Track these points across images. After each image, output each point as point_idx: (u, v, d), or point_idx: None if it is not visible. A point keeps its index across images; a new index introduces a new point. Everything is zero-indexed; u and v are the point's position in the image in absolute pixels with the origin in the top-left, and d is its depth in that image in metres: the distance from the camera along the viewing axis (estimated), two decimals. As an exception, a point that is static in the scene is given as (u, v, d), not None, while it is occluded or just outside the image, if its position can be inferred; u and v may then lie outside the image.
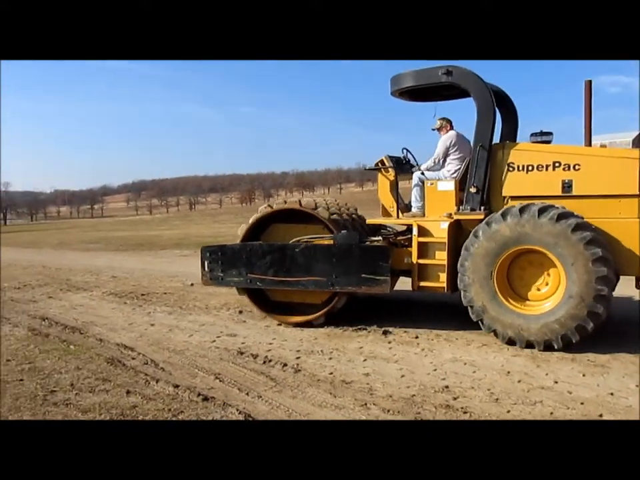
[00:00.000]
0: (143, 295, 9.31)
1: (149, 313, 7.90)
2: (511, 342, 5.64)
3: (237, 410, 4.13)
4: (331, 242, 6.55)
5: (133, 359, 5.59)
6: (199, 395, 4.45)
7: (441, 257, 6.22)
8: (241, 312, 7.56)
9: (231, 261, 6.84)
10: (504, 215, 5.70)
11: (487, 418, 3.96)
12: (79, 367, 5.31)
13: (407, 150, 7.48)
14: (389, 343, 5.96)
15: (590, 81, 6.10)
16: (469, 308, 5.90)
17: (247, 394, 4.52)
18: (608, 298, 5.33)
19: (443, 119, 6.89)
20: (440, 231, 6.26)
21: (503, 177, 6.11)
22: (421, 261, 6.31)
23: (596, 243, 5.33)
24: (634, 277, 5.84)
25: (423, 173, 6.88)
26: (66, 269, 13.62)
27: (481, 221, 5.92)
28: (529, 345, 5.53)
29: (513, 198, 6.08)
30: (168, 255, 17.61)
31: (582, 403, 4.19)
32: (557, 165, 5.85)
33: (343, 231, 6.52)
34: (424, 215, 6.68)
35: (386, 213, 7.24)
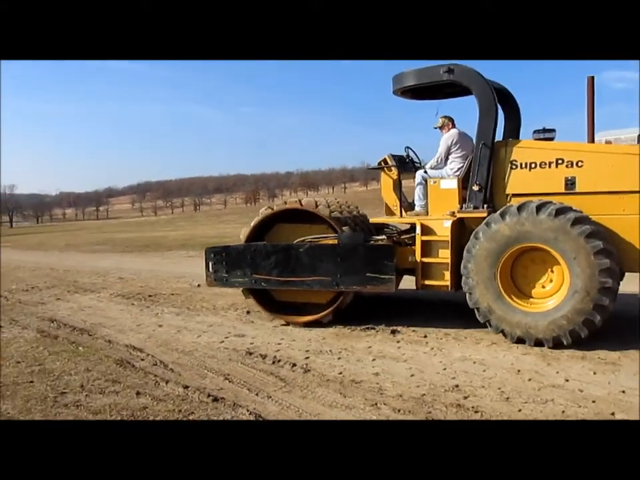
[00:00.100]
0: (150, 296, 9.33)
1: (157, 314, 7.91)
2: (520, 341, 5.62)
3: (247, 410, 4.12)
4: (335, 241, 6.55)
5: (142, 360, 5.60)
6: (209, 395, 4.45)
7: (445, 255, 6.22)
8: (248, 312, 7.56)
9: (236, 261, 6.84)
10: (503, 215, 5.70)
11: (498, 417, 3.94)
12: (89, 369, 5.32)
13: (410, 148, 7.49)
14: (398, 342, 5.95)
15: (592, 77, 6.07)
16: (475, 310, 5.89)
17: (257, 394, 4.51)
18: (613, 290, 5.31)
19: (445, 117, 6.90)
20: (443, 229, 6.27)
21: (506, 175, 6.11)
22: (425, 260, 6.32)
23: (596, 235, 5.33)
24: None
25: (425, 172, 6.89)
26: (73, 271, 13.67)
27: (483, 219, 5.92)
28: (538, 343, 5.51)
29: (516, 195, 6.07)
30: (174, 256, 17.66)
31: (594, 401, 4.16)
32: (559, 161, 5.84)
33: (345, 228, 6.52)
34: (427, 214, 6.69)
35: (389, 212, 7.25)
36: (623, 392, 4.32)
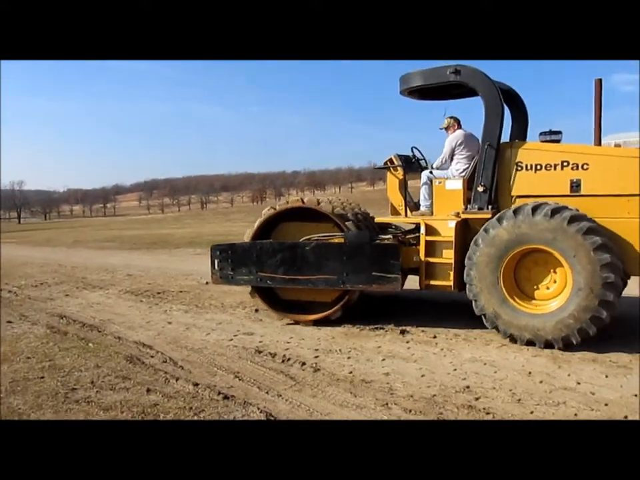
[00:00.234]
0: (158, 293, 9.35)
1: (166, 311, 7.93)
2: (529, 343, 5.60)
3: (258, 408, 4.12)
4: (341, 240, 6.56)
5: (152, 356, 5.61)
6: (219, 393, 4.45)
7: (449, 255, 6.24)
8: (257, 310, 7.55)
9: (241, 259, 6.85)
10: (500, 220, 5.75)
11: (510, 419, 3.92)
12: (99, 365, 5.33)
13: (416, 148, 7.51)
14: (407, 342, 5.93)
15: (600, 80, 6.07)
16: (482, 317, 5.90)
17: (267, 393, 4.51)
18: (617, 285, 5.31)
19: (451, 117, 6.89)
20: (447, 229, 6.29)
21: (511, 176, 6.11)
22: (429, 260, 6.33)
23: (594, 232, 5.34)
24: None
25: (431, 172, 6.90)
26: (81, 267, 13.72)
27: (487, 220, 5.92)
28: (548, 345, 5.48)
29: (521, 197, 6.07)
30: (181, 253, 17.69)
31: (606, 404, 4.13)
32: (565, 164, 5.84)
33: (348, 223, 6.54)
34: (432, 214, 6.69)
35: (395, 212, 7.26)
36: (635, 395, 4.29)
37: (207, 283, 10.08)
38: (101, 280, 11.29)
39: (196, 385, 4.67)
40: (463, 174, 6.60)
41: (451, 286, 6.23)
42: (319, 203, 6.78)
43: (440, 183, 6.62)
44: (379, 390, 4.54)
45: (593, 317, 5.30)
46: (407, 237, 6.86)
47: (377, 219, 7.42)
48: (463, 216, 6.32)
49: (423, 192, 6.91)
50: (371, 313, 7.14)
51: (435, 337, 6.07)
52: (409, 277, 6.92)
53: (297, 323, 6.82)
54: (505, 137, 6.44)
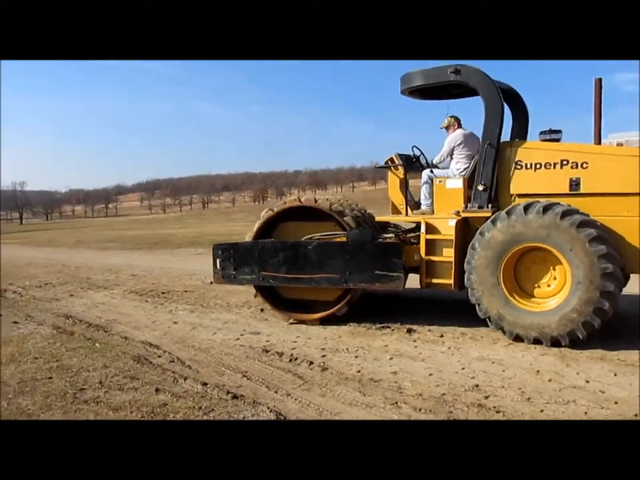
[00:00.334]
0: (163, 293, 9.36)
1: (171, 310, 7.93)
2: (536, 342, 5.60)
3: (268, 408, 4.11)
4: (343, 239, 6.57)
5: (159, 356, 5.61)
6: (228, 392, 4.45)
7: (449, 254, 6.26)
8: (262, 310, 7.54)
9: (243, 258, 6.85)
10: (494, 222, 5.80)
11: (520, 418, 3.91)
12: (106, 365, 5.33)
13: (417, 148, 7.53)
14: (414, 341, 5.93)
15: (600, 80, 6.11)
16: (487, 320, 5.91)
17: (276, 392, 4.51)
18: (615, 275, 5.33)
19: (452, 117, 6.94)
20: (448, 228, 6.31)
21: (511, 175, 6.15)
22: (429, 258, 6.35)
23: (587, 224, 5.39)
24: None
25: (432, 171, 6.95)
26: (85, 268, 13.73)
27: (487, 218, 5.95)
28: (555, 342, 5.49)
29: (521, 196, 6.11)
30: (184, 253, 17.71)
31: (616, 403, 4.13)
32: (564, 162, 5.87)
33: (346, 219, 6.56)
34: (433, 213, 6.73)
35: (396, 211, 7.29)
36: (646, 393, 4.28)
37: (211, 282, 10.05)
38: (105, 280, 11.29)
39: (204, 384, 4.67)
40: (464, 173, 6.64)
41: (451, 284, 6.27)
42: (316, 201, 6.81)
43: (440, 182, 6.66)
44: (387, 389, 4.53)
45: (596, 309, 5.32)
46: (408, 235, 6.88)
47: (378, 218, 7.43)
48: (463, 214, 6.36)
49: (424, 191, 6.96)
50: (377, 311, 7.14)
51: (441, 335, 6.06)
52: (410, 275, 6.92)
53: (303, 322, 6.81)
54: (506, 136, 6.50)
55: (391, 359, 5.34)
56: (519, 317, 5.68)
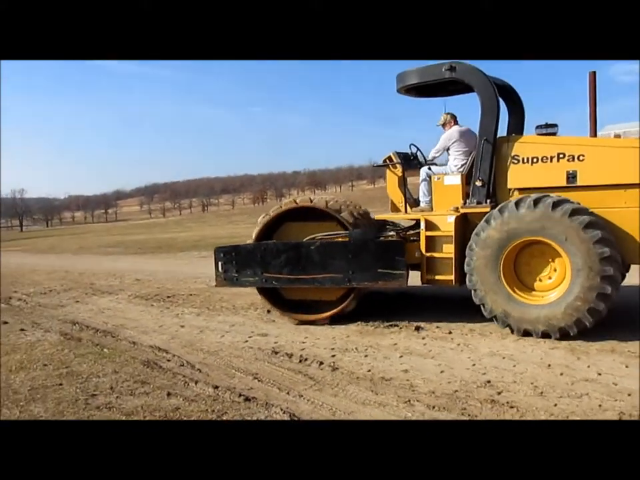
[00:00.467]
0: (168, 297, 9.35)
1: (177, 314, 7.92)
2: (545, 335, 5.59)
3: (281, 409, 4.10)
4: (345, 239, 6.58)
5: (168, 360, 5.60)
6: (240, 395, 4.43)
7: (449, 250, 6.30)
8: (269, 311, 7.52)
9: (246, 260, 6.85)
10: (487, 221, 5.86)
11: (535, 412, 3.90)
12: (116, 370, 5.32)
13: (414, 145, 7.55)
14: (423, 338, 5.92)
15: (594, 72, 6.14)
16: (494, 319, 5.93)
17: (288, 393, 4.50)
18: (614, 258, 5.36)
19: (448, 114, 6.97)
20: (447, 224, 6.36)
21: (508, 170, 6.17)
22: (429, 255, 6.39)
23: (580, 212, 5.45)
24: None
25: (430, 168, 6.99)
26: (89, 273, 13.72)
27: (486, 214, 5.99)
28: (564, 332, 5.49)
29: (519, 190, 6.15)
30: (187, 257, 17.71)
31: (629, 395, 4.12)
32: (561, 156, 5.90)
33: (343, 214, 6.60)
34: (432, 209, 6.75)
35: (395, 209, 7.31)
36: (658, 384, 4.27)
37: (215, 285, 10.06)
38: (109, 285, 11.29)
39: (216, 387, 4.65)
40: (461, 169, 6.68)
41: (452, 280, 6.31)
42: (311, 201, 6.83)
43: (439, 178, 6.70)
44: (399, 387, 4.52)
45: (599, 295, 5.35)
46: (408, 233, 6.91)
47: (377, 216, 7.46)
48: (462, 210, 6.40)
49: (422, 188, 7.00)
50: (383, 310, 7.14)
51: (450, 332, 6.06)
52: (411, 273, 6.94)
53: (312, 323, 6.79)
54: (502, 131, 6.59)
55: (401, 357, 5.33)
56: (524, 312, 5.69)
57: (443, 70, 6.28)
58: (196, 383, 4.83)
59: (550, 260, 5.79)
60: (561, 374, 4.63)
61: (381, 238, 6.67)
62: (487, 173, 6.18)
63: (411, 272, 6.65)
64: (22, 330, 7.35)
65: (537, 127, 6.22)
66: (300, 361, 5.34)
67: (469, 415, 3.90)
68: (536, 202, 5.57)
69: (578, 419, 3.75)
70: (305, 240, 6.73)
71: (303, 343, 6.02)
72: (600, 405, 3.96)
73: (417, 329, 6.25)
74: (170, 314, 7.98)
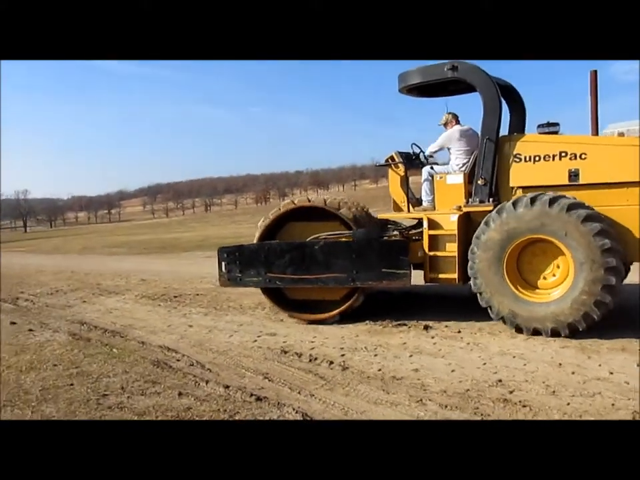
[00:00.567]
0: (175, 297, 9.36)
1: (185, 314, 7.93)
2: (554, 333, 5.58)
3: (293, 409, 4.09)
4: (347, 238, 6.60)
5: (178, 360, 5.60)
6: (252, 395, 4.43)
7: (452, 248, 6.32)
8: (277, 311, 7.52)
9: (249, 260, 6.86)
10: (487, 223, 5.88)
11: (547, 411, 3.89)
12: (126, 370, 5.33)
13: (416, 145, 7.56)
14: (432, 337, 5.91)
15: (595, 71, 6.16)
16: (501, 320, 5.92)
17: (299, 393, 4.49)
18: (615, 249, 5.37)
19: (449, 113, 6.99)
20: (450, 223, 6.37)
21: (511, 168, 6.19)
22: (432, 253, 6.40)
23: (576, 206, 5.48)
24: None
25: (432, 167, 7.02)
26: (95, 274, 13.75)
27: (488, 212, 6.01)
28: (572, 328, 5.49)
29: (521, 188, 6.16)
30: (191, 257, 17.75)
31: (642, 394, 4.10)
32: (563, 154, 5.91)
33: (342, 211, 6.63)
34: (434, 209, 6.77)
35: (398, 208, 7.32)
36: (671, 383, 4.25)
37: (220, 285, 10.07)
38: (115, 285, 11.31)
39: (227, 387, 4.65)
40: (463, 168, 6.70)
41: (455, 278, 6.32)
42: (309, 201, 6.84)
43: (441, 178, 6.72)
44: (410, 386, 4.52)
45: (604, 287, 5.36)
46: (411, 232, 6.92)
47: (380, 215, 7.48)
48: (465, 209, 6.41)
49: (425, 187, 7.03)
50: (391, 309, 7.13)
51: (459, 331, 6.05)
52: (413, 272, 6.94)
53: (322, 322, 6.79)
54: (504, 130, 6.57)
55: (411, 356, 5.33)
56: (531, 310, 5.70)
57: (445, 70, 6.30)
58: (207, 382, 4.83)
59: (552, 257, 5.80)
60: (573, 373, 4.61)
61: (385, 237, 6.68)
62: (489, 172, 6.20)
63: (413, 271, 6.65)
64: (30, 330, 7.36)
65: (539, 126, 6.23)
66: (310, 361, 5.34)
67: (481, 415, 3.89)
68: (533, 200, 5.60)
69: (591, 418, 3.74)
70: (308, 240, 6.73)
71: (312, 342, 6.02)
72: (613, 404, 3.94)
73: (426, 328, 6.24)
74: (177, 314, 7.99)
